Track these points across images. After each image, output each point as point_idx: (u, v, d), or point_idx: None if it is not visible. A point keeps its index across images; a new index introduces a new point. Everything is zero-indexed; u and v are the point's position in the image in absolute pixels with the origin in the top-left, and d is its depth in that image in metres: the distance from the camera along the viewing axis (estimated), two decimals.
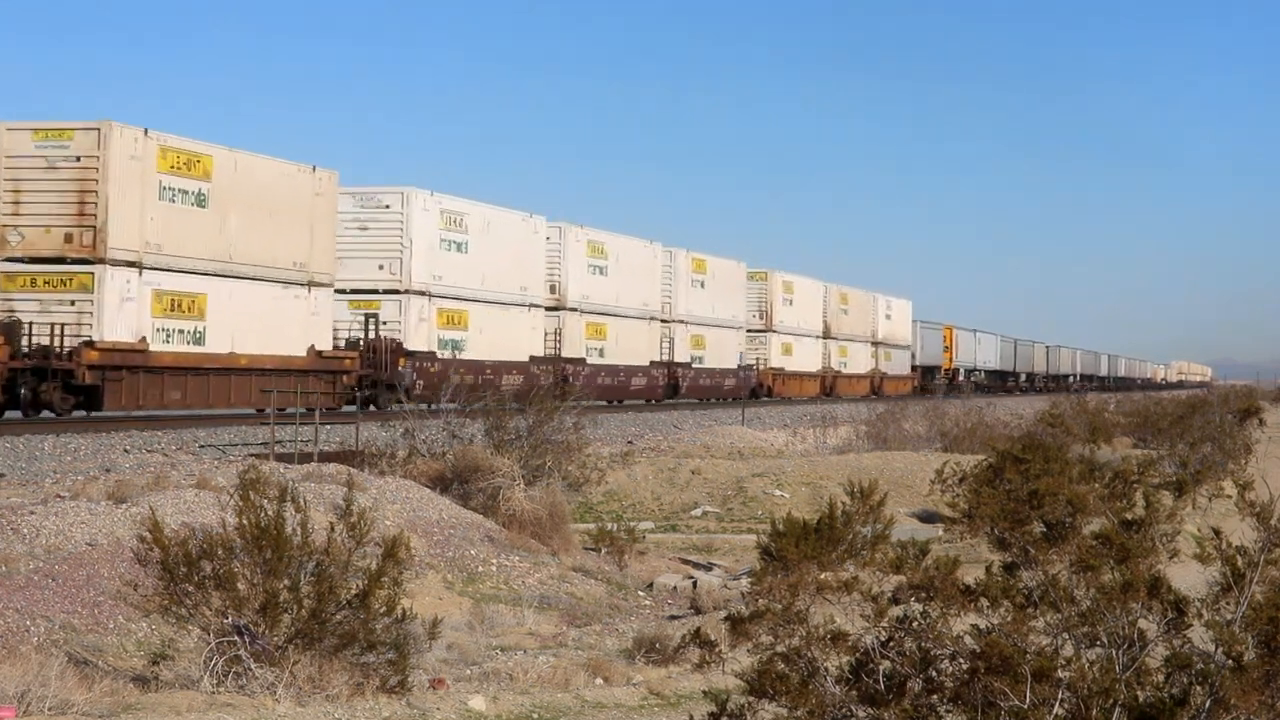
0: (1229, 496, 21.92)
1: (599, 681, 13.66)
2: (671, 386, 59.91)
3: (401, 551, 12.21)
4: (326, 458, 24.96)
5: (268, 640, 11.57)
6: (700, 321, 62.17)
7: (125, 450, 25.64)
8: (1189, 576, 9.56)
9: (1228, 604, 7.86)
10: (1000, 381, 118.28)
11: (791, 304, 72.67)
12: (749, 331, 67.65)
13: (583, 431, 26.20)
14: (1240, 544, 8.17)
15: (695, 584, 21.00)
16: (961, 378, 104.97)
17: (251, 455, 24.95)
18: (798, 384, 73.99)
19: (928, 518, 26.44)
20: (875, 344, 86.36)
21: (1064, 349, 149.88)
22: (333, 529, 11.95)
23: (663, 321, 58.91)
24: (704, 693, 9.48)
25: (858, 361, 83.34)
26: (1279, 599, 7.58)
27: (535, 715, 11.95)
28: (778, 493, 28.33)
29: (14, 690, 10.72)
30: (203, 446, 26.99)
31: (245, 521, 11.69)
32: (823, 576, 15.78)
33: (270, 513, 11.68)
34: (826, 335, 77.96)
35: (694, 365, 61.90)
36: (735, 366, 65.81)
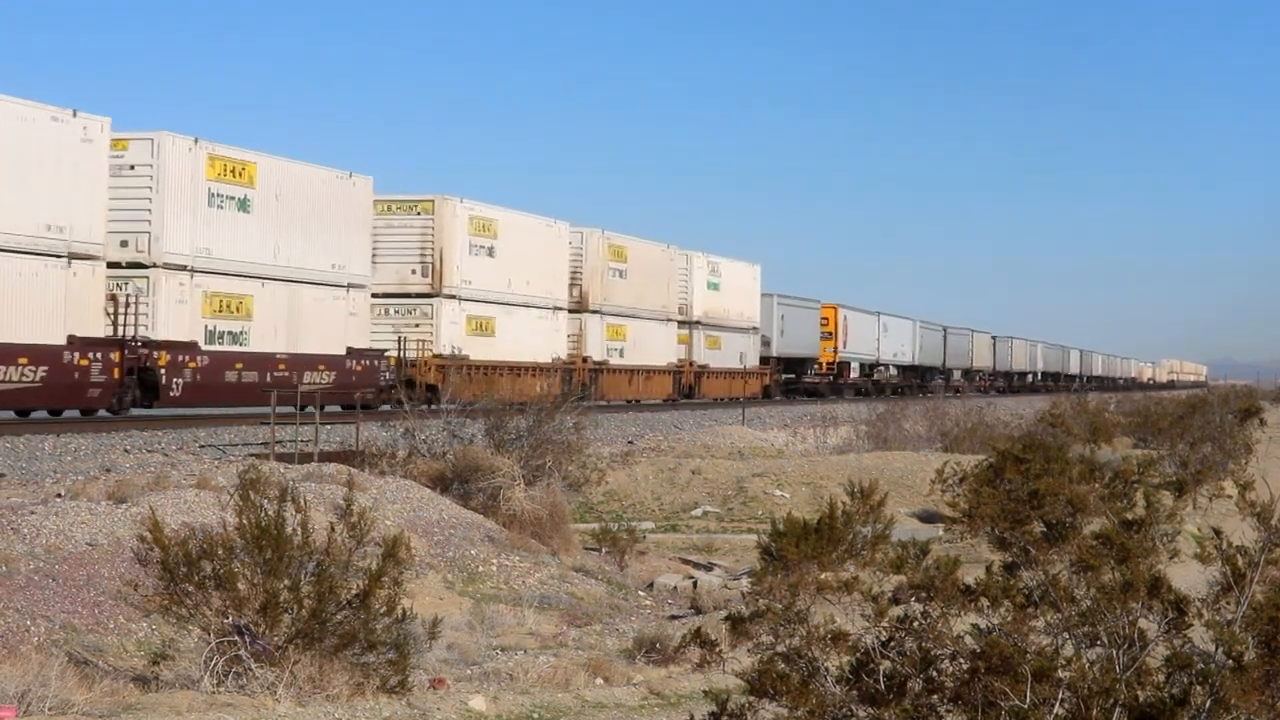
0: (1229, 496, 21.91)
1: (599, 681, 13.66)
2: None
3: (401, 551, 12.21)
4: (327, 458, 24.96)
5: (268, 640, 11.56)
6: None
7: (125, 450, 25.63)
8: (1189, 576, 9.55)
9: (1228, 604, 7.87)
10: (922, 380, 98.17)
11: (492, 254, 45.99)
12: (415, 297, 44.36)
13: (583, 431, 26.20)
14: (1240, 544, 8.17)
15: (695, 584, 21.00)
16: (855, 374, 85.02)
17: (251, 455, 24.94)
18: (507, 379, 43.17)
19: (928, 518, 26.45)
20: (688, 324, 61.45)
21: (1017, 340, 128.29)
22: (333, 529, 11.95)
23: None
24: (704, 693, 9.47)
25: (648, 348, 57.50)
26: (1279, 599, 7.58)
27: (535, 715, 11.94)
28: (778, 493, 28.33)
29: (14, 690, 10.72)
30: (203, 446, 26.99)
31: (245, 521, 11.69)
32: (823, 576, 15.81)
33: (270, 513, 11.68)
34: (582, 308, 52.56)
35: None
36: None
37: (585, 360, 52.56)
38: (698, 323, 62.17)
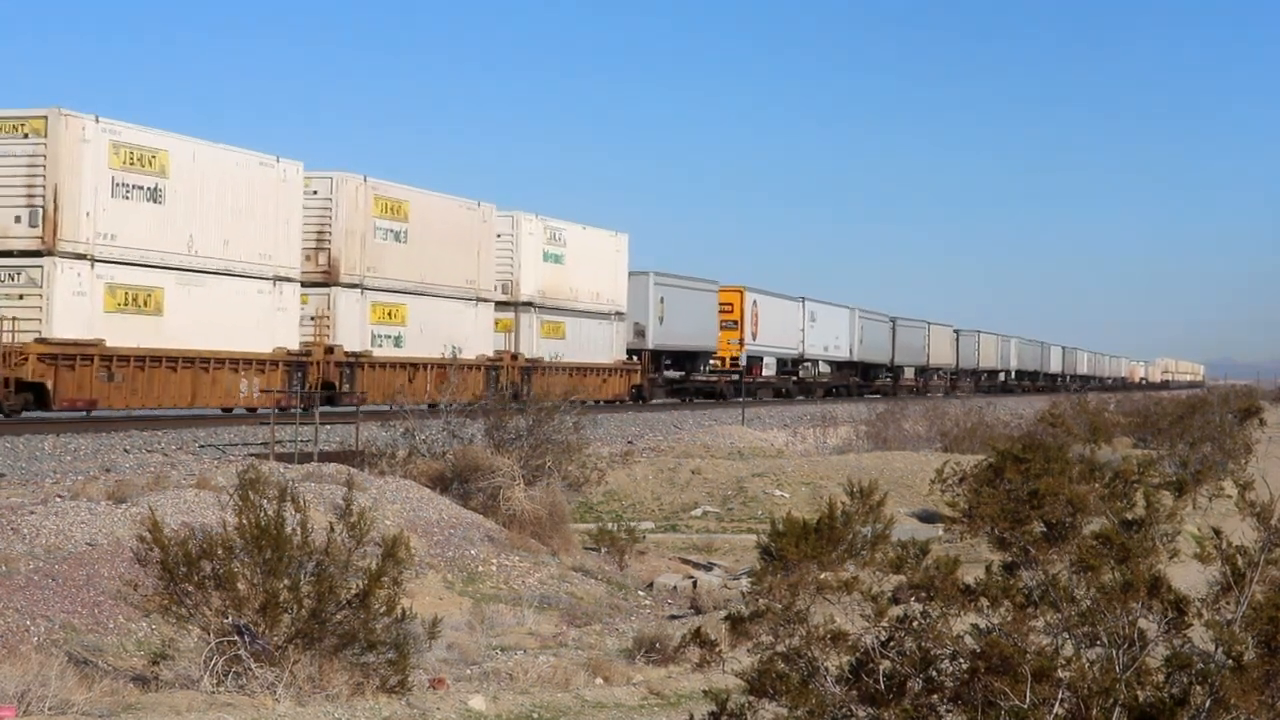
0: (1229, 496, 21.92)
1: (599, 681, 13.66)
2: None
3: (401, 551, 12.21)
4: (326, 458, 24.96)
5: (268, 640, 11.57)
6: None
7: (125, 450, 25.64)
8: (1189, 576, 9.56)
9: (1228, 604, 7.87)
10: (865, 378, 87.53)
11: (156, 198, 33.09)
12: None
13: (583, 431, 26.21)
14: (1240, 544, 8.17)
15: (695, 584, 21.01)
16: (770, 371, 71.33)
17: (251, 455, 24.95)
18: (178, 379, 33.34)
19: (928, 518, 26.44)
20: (513, 305, 48.00)
21: (986, 335, 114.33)
22: (332, 529, 11.95)
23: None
24: (704, 692, 9.48)
25: (445, 335, 42.81)
26: (1279, 599, 7.58)
27: (535, 715, 11.95)
28: (778, 493, 28.33)
29: (14, 690, 10.72)
30: (203, 446, 27.00)
31: (245, 521, 11.69)
32: (823, 576, 15.80)
33: (270, 513, 11.68)
34: (330, 280, 39.75)
35: None
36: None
37: (331, 351, 39.12)
38: (528, 304, 48.34)
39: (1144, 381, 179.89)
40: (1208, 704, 7.33)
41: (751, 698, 8.19)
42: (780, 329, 71.90)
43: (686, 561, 23.24)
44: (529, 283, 48.93)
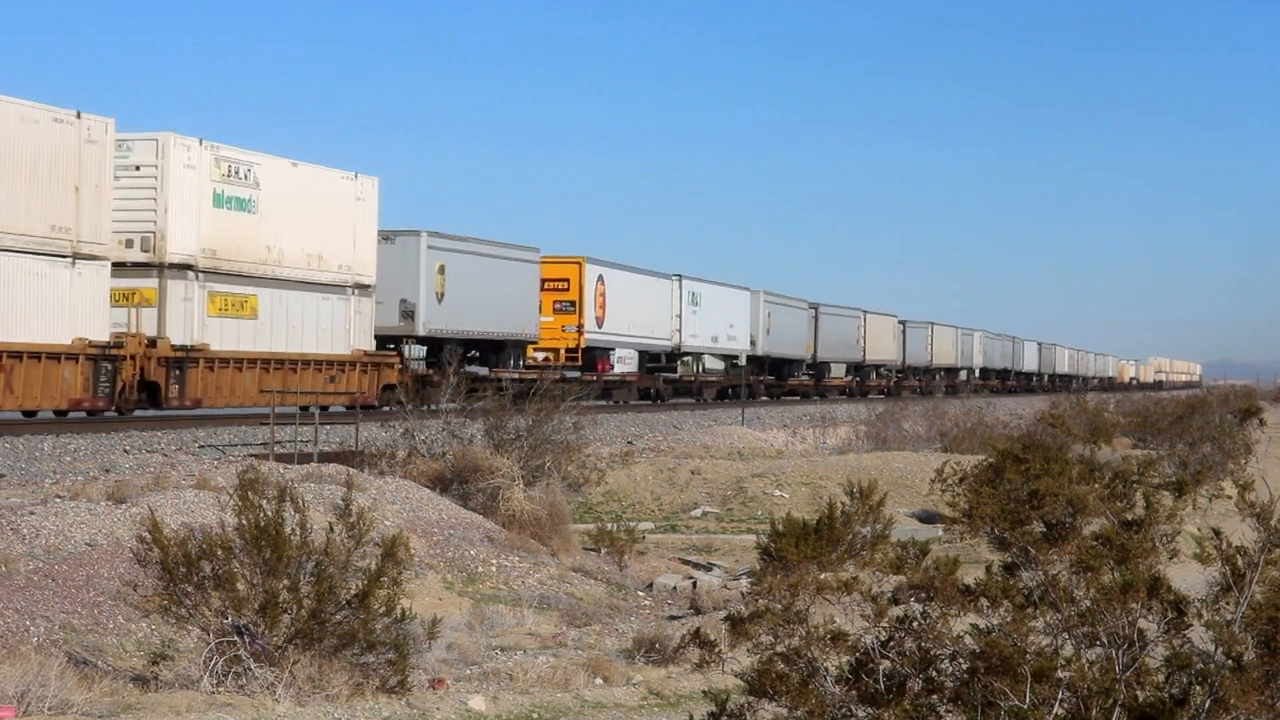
0: (1229, 497, 21.92)
1: (599, 681, 13.67)
2: None
3: (401, 551, 12.23)
4: (326, 458, 24.97)
5: (267, 640, 11.57)
6: None
7: (125, 450, 25.64)
8: (1189, 576, 9.56)
9: (1228, 604, 7.87)
10: (779, 376, 71.83)
11: None
12: None
13: (582, 431, 26.23)
14: (1240, 544, 8.17)
15: (695, 584, 21.01)
16: (627, 366, 54.94)
17: (251, 455, 24.95)
18: None
19: (928, 518, 26.45)
20: (156, 268, 33.16)
21: (942, 328, 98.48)
22: (331, 529, 11.96)
23: None
24: (704, 693, 9.48)
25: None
26: (1279, 599, 7.58)
27: (535, 715, 11.95)
28: (777, 493, 28.34)
29: (14, 690, 10.72)
30: (202, 447, 27.01)
31: (244, 522, 11.70)
32: (823, 577, 15.80)
33: (269, 513, 11.69)
34: None
35: None
36: None
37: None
38: (184, 267, 33.27)
39: (1134, 382, 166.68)
40: (1208, 704, 7.34)
41: (751, 698, 8.19)
42: (644, 313, 56.45)
43: (686, 562, 23.25)
44: (185, 236, 33.38)
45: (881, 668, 8.02)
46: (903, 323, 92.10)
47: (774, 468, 30.64)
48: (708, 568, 22.67)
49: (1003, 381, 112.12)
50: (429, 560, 19.46)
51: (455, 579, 19.34)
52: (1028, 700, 7.39)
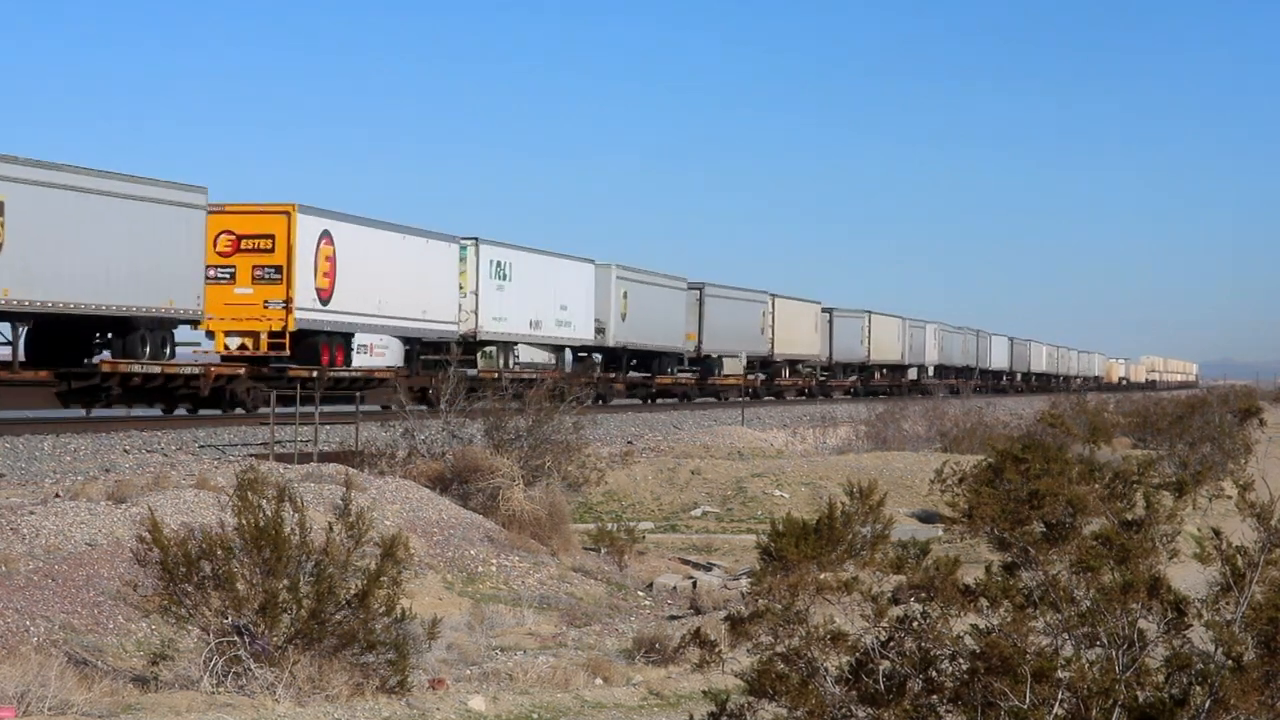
0: (1229, 497, 21.93)
1: (599, 681, 13.66)
2: None
3: (400, 551, 12.23)
4: (326, 458, 24.96)
5: (267, 640, 11.57)
6: None
7: (125, 450, 25.65)
8: (1189, 576, 9.56)
9: (1228, 604, 7.87)
10: (651, 372, 58.80)
11: None
12: None
13: (582, 431, 26.23)
14: (1240, 544, 8.17)
15: (695, 584, 21.01)
16: (375, 360, 40.53)
17: (251, 455, 24.95)
18: None
19: (928, 518, 26.45)
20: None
21: (882, 318, 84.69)
22: (331, 529, 11.96)
23: None
24: (704, 693, 9.48)
25: None
26: (1279, 599, 7.58)
27: (535, 715, 11.95)
28: (777, 493, 28.34)
29: (14, 690, 10.72)
30: (202, 446, 27.01)
31: (244, 522, 11.70)
32: (823, 577, 15.78)
33: (269, 513, 11.69)
34: None
35: None
36: None
37: None
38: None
39: (1124, 382, 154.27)
40: (1208, 704, 7.34)
41: (751, 698, 8.19)
42: (416, 289, 42.57)
43: (686, 562, 23.25)
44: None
45: (881, 668, 8.02)
46: (828, 310, 78.60)
47: (774, 467, 30.64)
48: (708, 568, 22.67)
49: (968, 379, 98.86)
50: (429, 560, 19.45)
51: (455, 579, 19.34)
52: (1028, 700, 7.39)
